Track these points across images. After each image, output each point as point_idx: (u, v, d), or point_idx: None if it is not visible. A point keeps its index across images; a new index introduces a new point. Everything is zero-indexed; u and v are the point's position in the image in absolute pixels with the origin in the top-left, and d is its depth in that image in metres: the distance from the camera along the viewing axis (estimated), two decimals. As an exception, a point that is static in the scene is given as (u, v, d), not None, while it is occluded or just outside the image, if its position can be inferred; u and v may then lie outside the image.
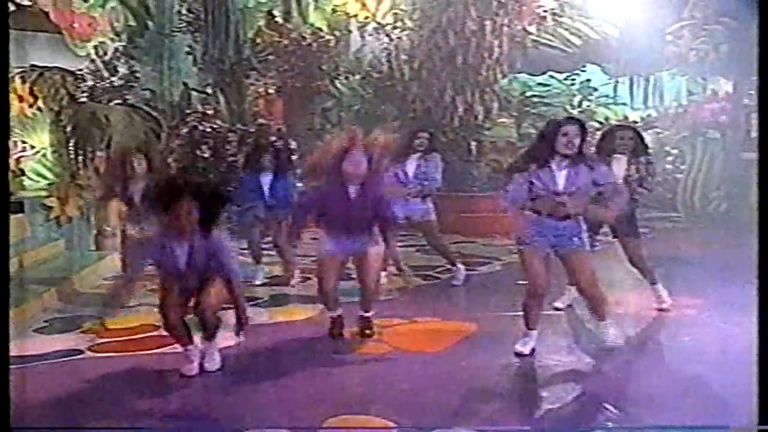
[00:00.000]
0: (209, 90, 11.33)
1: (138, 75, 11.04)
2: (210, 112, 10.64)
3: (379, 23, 11.77)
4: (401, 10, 11.28)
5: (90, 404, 3.98)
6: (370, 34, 11.93)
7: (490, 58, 10.27)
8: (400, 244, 6.60)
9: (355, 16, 12.05)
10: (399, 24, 11.10)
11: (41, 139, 9.87)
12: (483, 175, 10.50)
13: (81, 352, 4.86)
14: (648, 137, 11.77)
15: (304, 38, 11.42)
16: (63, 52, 10.64)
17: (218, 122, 10.47)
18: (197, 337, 4.37)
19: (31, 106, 9.68)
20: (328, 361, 4.62)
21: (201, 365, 4.34)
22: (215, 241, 4.17)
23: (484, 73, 10.34)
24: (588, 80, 12.97)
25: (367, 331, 5.07)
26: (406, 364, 4.57)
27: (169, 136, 10.22)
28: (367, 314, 5.07)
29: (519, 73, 11.90)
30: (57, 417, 3.83)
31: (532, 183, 4.42)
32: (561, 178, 4.41)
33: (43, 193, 8.53)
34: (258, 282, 6.85)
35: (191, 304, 4.31)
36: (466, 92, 10.37)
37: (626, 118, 12.58)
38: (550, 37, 12.09)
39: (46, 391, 4.10)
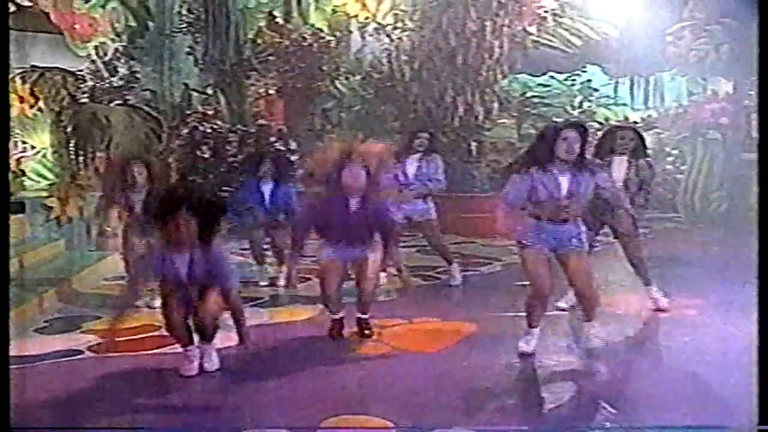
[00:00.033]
0: (210, 90, 11.32)
1: (138, 75, 11.05)
2: (210, 112, 10.64)
3: (379, 24, 11.77)
4: (402, 10, 11.28)
5: (90, 404, 3.98)
6: (371, 35, 11.93)
7: (490, 58, 10.27)
8: (400, 244, 6.63)
9: (356, 16, 12.05)
10: (399, 24, 11.09)
11: (42, 139, 9.89)
12: (483, 176, 10.49)
13: (81, 352, 4.87)
14: (648, 138, 11.76)
15: (304, 39, 11.42)
16: (64, 52, 10.66)
17: (219, 123, 10.46)
18: (197, 338, 4.37)
19: (31, 106, 9.70)
20: (328, 361, 4.62)
21: (200, 365, 4.35)
22: (215, 253, 4.18)
23: (485, 74, 10.34)
24: (588, 81, 12.98)
25: (367, 332, 5.08)
26: (406, 365, 4.57)
27: (170, 137, 10.23)
28: (364, 316, 5.09)
29: (519, 73, 11.90)
30: (57, 417, 3.83)
31: (534, 187, 4.38)
32: (564, 182, 4.38)
33: (44, 194, 8.54)
34: (263, 283, 6.86)
35: (192, 307, 4.32)
36: (466, 93, 10.37)
37: (627, 118, 12.58)
38: (551, 38, 12.09)
39: (46, 391, 4.11)
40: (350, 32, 12.06)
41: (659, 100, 12.55)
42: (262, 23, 11.62)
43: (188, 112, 10.79)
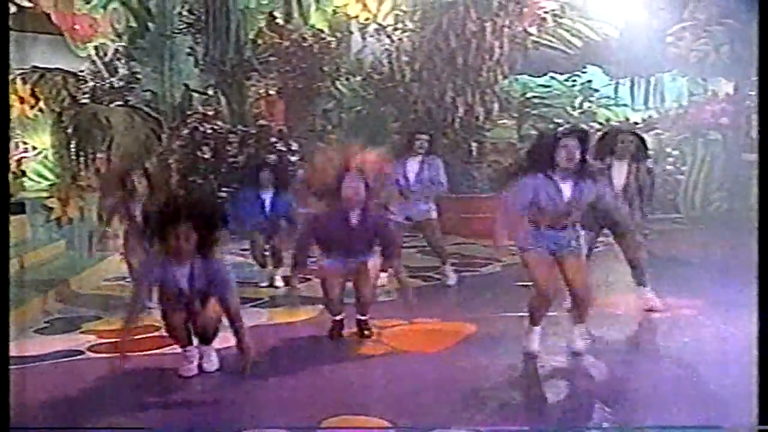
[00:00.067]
0: (210, 91, 11.33)
1: (139, 76, 11.06)
2: (211, 113, 10.65)
3: (380, 24, 11.77)
4: (402, 11, 11.28)
5: (90, 404, 3.99)
6: (371, 36, 11.93)
7: (490, 59, 10.28)
8: (402, 246, 6.64)
9: (356, 17, 12.05)
10: (400, 25, 11.10)
11: (42, 140, 9.90)
12: (484, 177, 10.50)
13: (81, 352, 4.88)
14: (649, 138, 11.77)
15: (305, 39, 11.43)
16: (64, 53, 10.67)
17: (219, 123, 10.47)
18: (196, 339, 4.38)
19: (32, 107, 9.72)
20: (328, 361, 4.62)
21: (200, 366, 4.35)
22: (215, 264, 4.18)
23: (485, 75, 10.35)
24: (589, 81, 12.96)
25: (366, 332, 5.08)
26: (405, 365, 4.57)
27: (170, 138, 10.24)
28: (363, 317, 5.10)
29: (520, 74, 11.89)
30: (57, 417, 3.84)
31: (536, 195, 4.34)
32: (566, 190, 4.36)
33: (44, 194, 8.55)
34: (263, 284, 6.88)
35: (192, 313, 4.32)
36: (466, 93, 10.37)
37: (627, 119, 12.58)
38: (551, 39, 12.08)
39: (46, 392, 4.11)
40: (351, 33, 12.07)
41: (660, 100, 12.54)
42: (263, 24, 11.62)
43: (189, 112, 10.80)
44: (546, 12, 11.85)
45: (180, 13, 11.26)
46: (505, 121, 11.46)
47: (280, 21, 11.67)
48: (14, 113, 9.41)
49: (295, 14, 11.79)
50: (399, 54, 10.93)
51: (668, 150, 11.80)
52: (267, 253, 6.97)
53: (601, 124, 12.44)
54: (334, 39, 11.69)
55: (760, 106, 3.49)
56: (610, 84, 12.91)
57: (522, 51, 10.75)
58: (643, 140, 5.78)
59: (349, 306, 5.14)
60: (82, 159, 9.23)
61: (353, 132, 11.88)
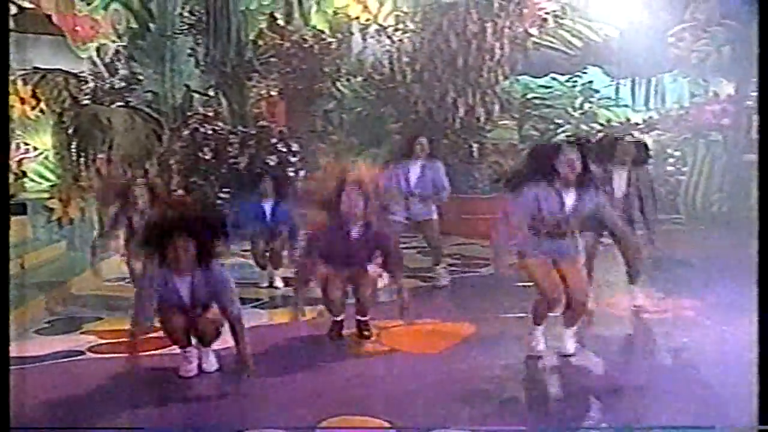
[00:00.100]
0: (211, 92, 11.34)
1: (140, 77, 11.07)
2: (212, 114, 10.65)
3: (380, 25, 11.78)
4: (403, 12, 11.30)
5: (90, 404, 3.99)
6: (372, 37, 11.94)
7: (491, 60, 10.28)
8: (402, 246, 6.64)
9: (357, 18, 12.06)
10: (400, 26, 11.10)
11: (44, 140, 9.90)
12: (484, 177, 10.50)
13: (82, 353, 4.88)
14: (650, 139, 11.76)
15: (305, 40, 11.43)
16: (65, 54, 10.67)
17: (220, 124, 10.47)
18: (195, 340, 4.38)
19: (33, 108, 9.72)
20: (327, 361, 4.63)
21: (199, 366, 4.35)
22: (217, 275, 4.17)
23: (486, 75, 10.35)
24: (590, 82, 12.97)
25: (366, 333, 5.09)
26: (405, 365, 4.57)
27: (171, 138, 10.23)
28: (363, 318, 5.11)
29: (520, 75, 11.89)
30: (57, 417, 3.84)
31: (539, 206, 4.35)
32: (568, 200, 4.37)
33: (45, 195, 8.54)
34: (264, 285, 6.91)
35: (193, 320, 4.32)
36: (467, 94, 10.37)
37: (628, 120, 12.58)
38: (552, 39, 12.08)
39: (46, 392, 4.11)
40: (351, 34, 12.08)
41: (660, 101, 12.54)
42: (264, 25, 11.63)
43: (189, 113, 10.80)
44: (547, 13, 11.85)
45: (181, 14, 11.27)
46: (506, 121, 11.45)
47: (280, 22, 11.68)
48: (15, 114, 9.42)
49: (296, 15, 11.80)
50: (400, 55, 10.93)
51: (669, 151, 11.80)
52: (267, 254, 6.98)
53: (602, 125, 12.46)
54: (334, 40, 11.70)
55: (760, 106, 3.49)
56: (610, 85, 12.91)
57: (523, 52, 10.75)
58: (644, 147, 5.78)
59: (349, 306, 5.13)
60: (82, 160, 9.22)
61: (354, 133, 11.90)
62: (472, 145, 10.60)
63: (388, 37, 11.36)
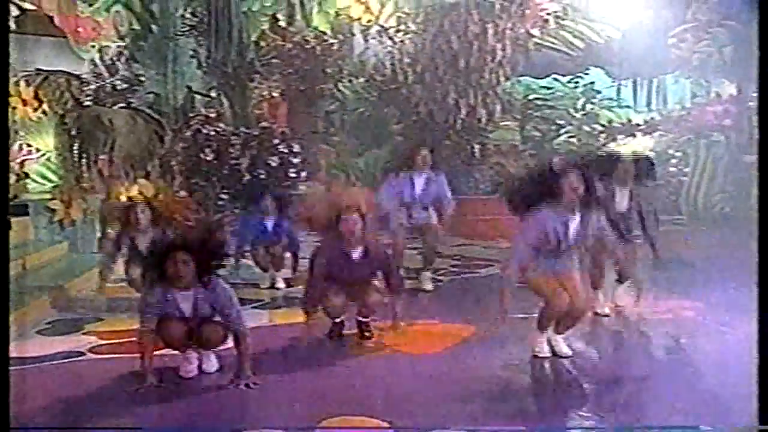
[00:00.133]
0: (213, 93, 11.34)
1: (142, 78, 11.07)
2: (213, 115, 10.65)
3: (382, 26, 11.79)
4: (404, 13, 11.31)
5: (90, 405, 3.99)
6: (374, 38, 11.95)
7: (492, 61, 10.28)
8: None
9: (359, 19, 12.07)
10: (402, 27, 11.11)
11: (46, 142, 9.93)
12: (486, 178, 10.50)
13: (82, 353, 4.89)
14: (651, 140, 11.75)
15: (307, 41, 11.44)
16: (67, 55, 10.71)
17: (222, 125, 10.47)
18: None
19: (35, 109, 9.74)
20: (327, 361, 4.63)
21: (199, 367, 4.36)
22: (220, 293, 4.18)
23: (487, 76, 10.35)
24: (591, 83, 12.97)
25: (366, 334, 5.09)
26: (405, 366, 4.58)
27: (173, 140, 10.24)
28: (364, 319, 5.11)
29: (522, 76, 11.90)
30: (57, 417, 3.84)
31: (545, 232, 4.39)
32: (572, 224, 4.42)
33: (47, 196, 8.56)
34: (265, 286, 6.93)
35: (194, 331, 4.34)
36: (469, 95, 10.38)
37: (630, 121, 12.58)
38: (553, 40, 12.09)
39: (46, 392, 4.12)
40: (353, 35, 12.09)
41: (662, 102, 12.54)
42: (266, 26, 11.65)
43: (191, 114, 10.80)
44: (548, 14, 11.86)
45: (183, 16, 11.28)
46: (507, 122, 11.47)
47: (282, 23, 11.69)
48: (18, 115, 9.44)
49: (298, 16, 11.82)
50: (401, 56, 10.93)
51: (671, 152, 11.78)
52: (268, 257, 7.01)
53: (603, 126, 12.46)
54: (336, 41, 11.71)
55: (760, 107, 3.49)
56: (612, 86, 12.92)
57: (524, 53, 10.76)
58: (649, 163, 5.76)
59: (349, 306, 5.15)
60: (85, 161, 9.24)
61: (355, 134, 11.91)
62: (474, 146, 10.60)
63: (390, 38, 11.36)
